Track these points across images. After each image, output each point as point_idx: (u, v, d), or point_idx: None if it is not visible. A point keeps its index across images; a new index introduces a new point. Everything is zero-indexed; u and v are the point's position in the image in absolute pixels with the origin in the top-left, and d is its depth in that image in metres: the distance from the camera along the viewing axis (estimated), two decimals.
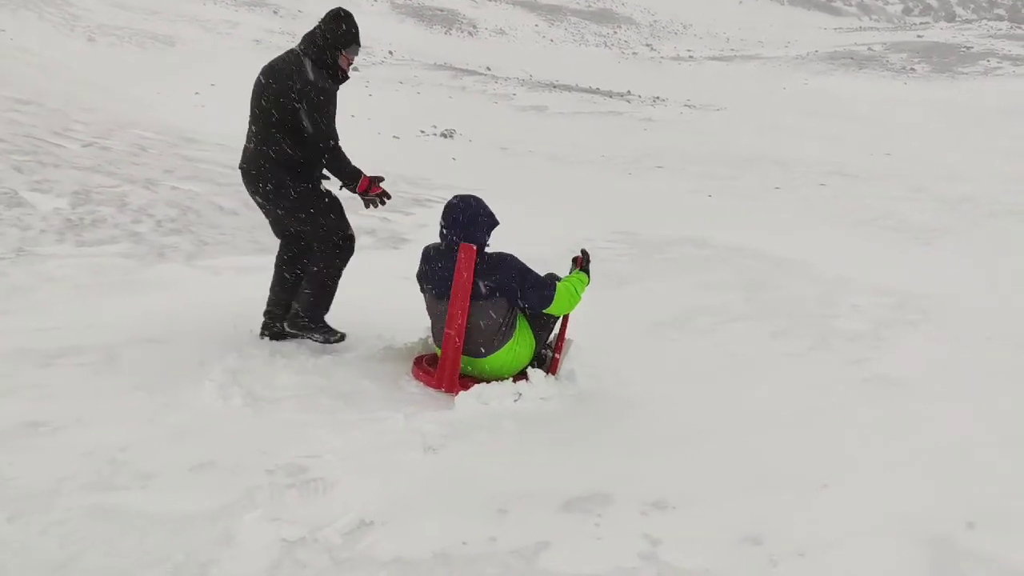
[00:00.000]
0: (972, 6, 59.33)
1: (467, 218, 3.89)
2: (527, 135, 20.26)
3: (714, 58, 42.28)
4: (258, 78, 4.11)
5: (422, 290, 4.10)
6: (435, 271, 3.96)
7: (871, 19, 57.46)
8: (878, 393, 4.43)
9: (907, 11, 59.30)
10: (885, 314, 6.15)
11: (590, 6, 51.53)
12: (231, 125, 14.73)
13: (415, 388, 3.96)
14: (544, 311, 3.97)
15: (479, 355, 3.97)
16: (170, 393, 3.48)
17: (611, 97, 28.14)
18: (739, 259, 7.88)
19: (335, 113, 4.10)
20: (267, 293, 4.52)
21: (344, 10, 4.11)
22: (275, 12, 42.12)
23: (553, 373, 4.12)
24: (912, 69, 37.24)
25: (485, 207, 3.97)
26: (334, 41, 4.02)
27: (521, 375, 4.03)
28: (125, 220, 6.25)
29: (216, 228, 6.49)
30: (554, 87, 29.91)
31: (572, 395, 3.99)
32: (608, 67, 38.26)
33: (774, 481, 3.24)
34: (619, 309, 5.81)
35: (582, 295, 4.11)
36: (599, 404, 3.92)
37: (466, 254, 3.83)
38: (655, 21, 50.29)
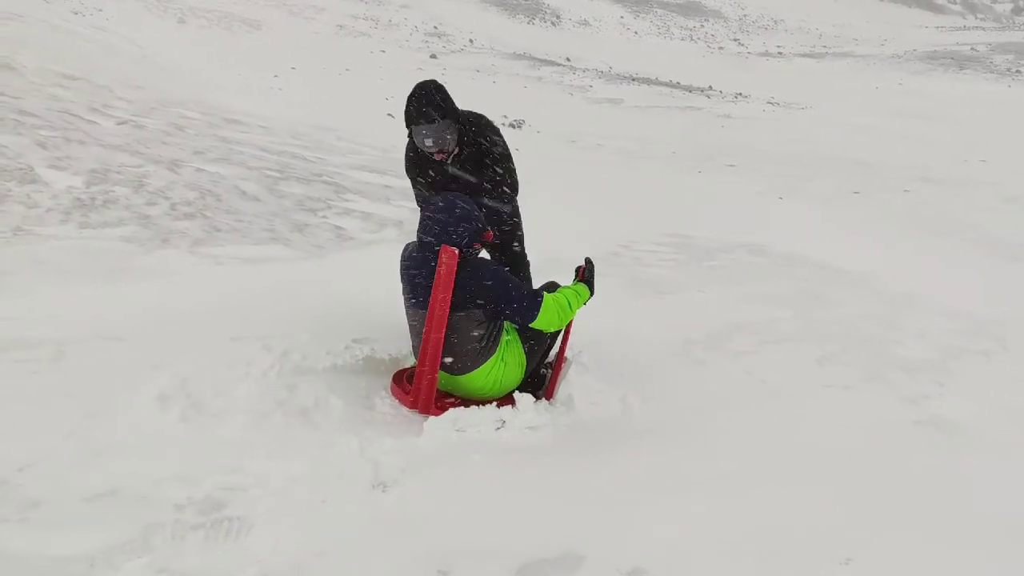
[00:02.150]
0: None
1: (451, 218, 3.42)
2: (598, 128, 19.66)
3: (804, 55, 40.64)
4: None
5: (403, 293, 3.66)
6: (410, 276, 3.51)
7: (977, 18, 54.53)
8: (930, 440, 3.80)
9: (1017, 10, 56.10)
10: (955, 341, 5.45)
11: None
12: (294, 109, 14.69)
13: (388, 408, 3.53)
14: (531, 326, 3.48)
15: (455, 372, 3.51)
16: (104, 401, 3.12)
17: (690, 92, 27.22)
18: (797, 269, 7.21)
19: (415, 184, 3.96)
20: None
21: (417, 86, 3.60)
22: None
23: (548, 398, 3.63)
24: (1018, 71, 35.07)
25: (473, 209, 3.49)
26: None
27: (508, 399, 3.56)
28: (139, 202, 5.98)
29: (233, 214, 6.18)
30: (632, 80, 29.14)
31: (566, 425, 3.50)
32: (691, 61, 37.14)
33: (785, 550, 2.69)
34: (648, 323, 5.27)
35: (577, 310, 3.60)
36: (593, 438, 3.41)
37: (448, 258, 3.36)
38: (745, 15, 48.70)
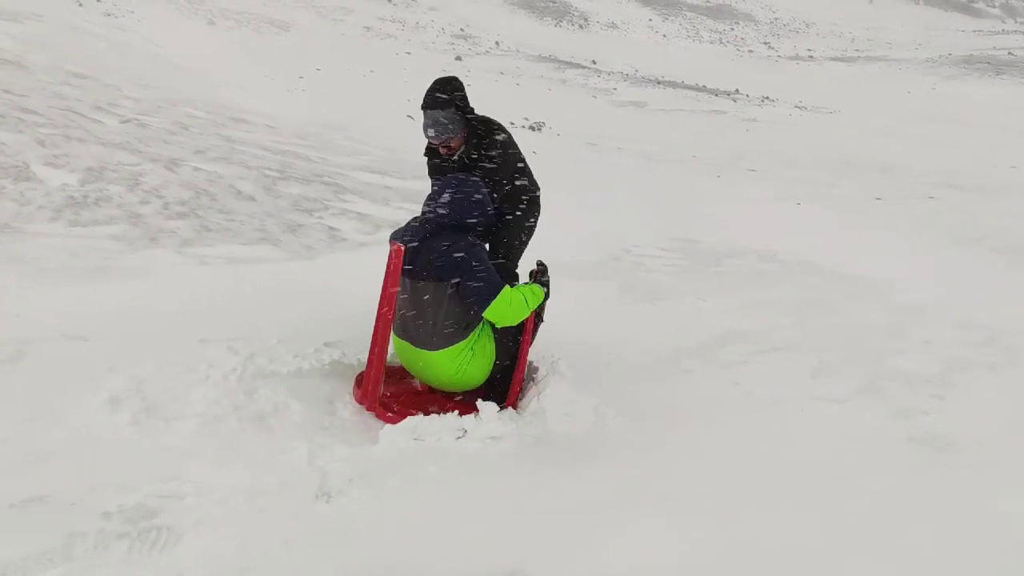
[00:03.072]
0: None
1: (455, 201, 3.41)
2: (620, 131, 19.50)
3: (836, 59, 40.12)
4: None
5: None
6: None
7: (1016, 22, 53.49)
8: (923, 460, 3.62)
9: None
10: (962, 353, 5.23)
11: (708, 2, 49.81)
12: (312, 109, 14.69)
13: (349, 413, 3.43)
14: (483, 314, 3.34)
15: (421, 345, 3.44)
16: (53, 404, 3.05)
17: (716, 95, 26.94)
18: (805, 276, 7.02)
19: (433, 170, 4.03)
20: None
21: (434, 80, 3.75)
22: (389, 0, 42.47)
23: (511, 406, 3.51)
24: None
25: (484, 194, 3.50)
26: None
27: (471, 406, 3.43)
28: (132, 200, 5.94)
29: (226, 214, 6.12)
30: (658, 83, 28.91)
31: (533, 436, 3.36)
32: (720, 64, 36.81)
33: None
34: (641, 330, 5.12)
35: (533, 308, 3.47)
36: (560, 451, 3.28)
37: (396, 257, 3.28)
38: (776, 19, 48.18)
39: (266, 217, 6.20)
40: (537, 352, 4.05)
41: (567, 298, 5.27)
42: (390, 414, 3.39)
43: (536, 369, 3.78)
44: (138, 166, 6.58)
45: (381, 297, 3.36)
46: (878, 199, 12.89)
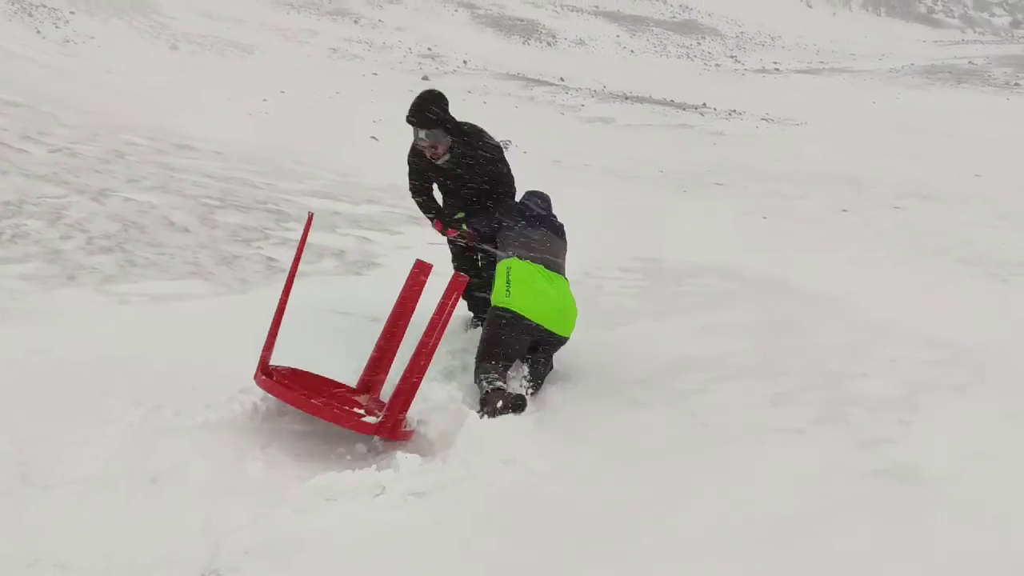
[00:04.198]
0: None
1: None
2: (587, 147, 19.33)
3: (801, 71, 40.28)
4: None
5: None
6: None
7: (975, 32, 54.14)
8: (885, 495, 3.34)
9: (1016, 24, 55.69)
10: (928, 374, 4.98)
11: (675, 17, 49.92)
12: (273, 133, 14.36)
13: (258, 470, 3.09)
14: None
15: (554, 269, 4.55)
16: None
17: (684, 109, 26.88)
18: (769, 295, 6.78)
19: (415, 174, 4.80)
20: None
21: (422, 92, 4.52)
22: (355, 21, 42.22)
23: (394, 437, 3.21)
24: (1017, 84, 34.69)
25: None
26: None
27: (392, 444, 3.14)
28: (52, 236, 5.60)
29: (156, 247, 5.79)
30: (626, 98, 28.83)
31: (460, 490, 3.04)
32: (687, 79, 36.80)
33: None
34: (595, 359, 4.83)
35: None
36: (486, 507, 2.96)
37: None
38: (742, 32, 48.39)
39: (199, 249, 5.88)
40: (469, 386, 3.76)
41: None
42: (263, 376, 3.34)
43: (463, 411, 3.47)
44: (63, 198, 6.24)
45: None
46: (844, 211, 12.76)
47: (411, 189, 4.89)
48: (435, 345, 3.24)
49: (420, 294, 3.87)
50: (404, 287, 3.91)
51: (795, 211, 12.71)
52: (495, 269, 4.46)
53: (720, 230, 10.42)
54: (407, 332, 3.87)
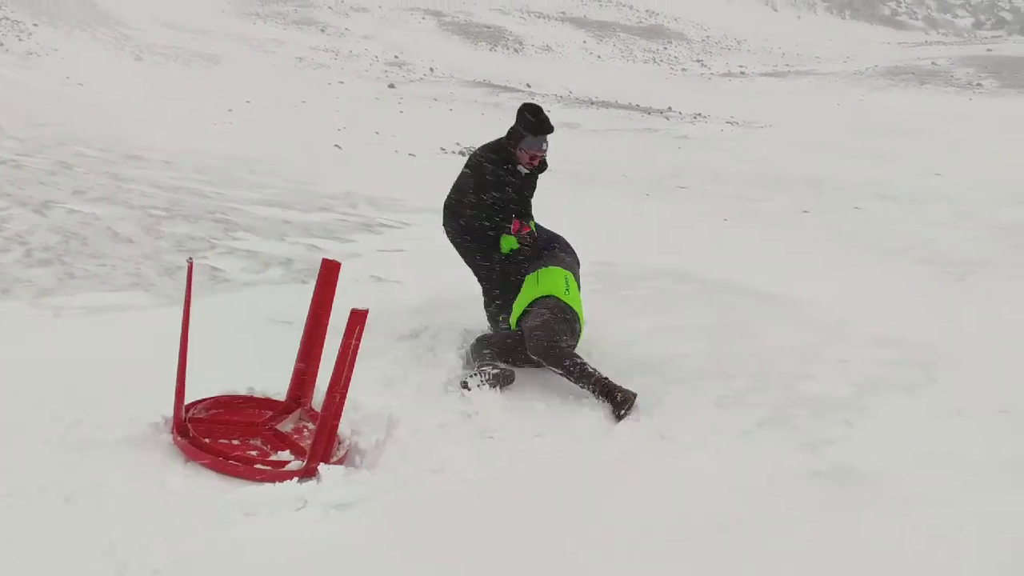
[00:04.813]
0: None
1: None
2: (552, 153, 19.25)
3: (767, 74, 40.60)
4: None
5: None
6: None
7: (938, 33, 54.89)
8: (825, 498, 3.32)
9: (978, 25, 56.53)
10: (877, 373, 4.98)
11: (641, 22, 50.15)
12: (236, 143, 14.19)
13: (180, 484, 2.98)
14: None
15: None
16: None
17: (649, 114, 27.00)
18: (723, 297, 6.75)
19: (494, 185, 4.80)
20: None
21: (530, 108, 4.79)
22: (322, 30, 42.05)
23: (312, 461, 3.08)
24: (979, 84, 35.19)
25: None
26: (511, 132, 4.81)
27: (311, 469, 3.03)
28: None
29: (98, 258, 5.66)
30: (592, 103, 28.92)
31: (387, 502, 2.96)
32: (653, 83, 36.97)
33: None
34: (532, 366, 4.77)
35: None
36: (413, 521, 2.87)
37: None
38: (708, 37, 48.71)
39: (143, 260, 5.76)
40: (407, 396, 3.69)
41: None
42: (180, 438, 3.17)
43: (395, 421, 3.39)
44: (3, 211, 6.09)
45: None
46: (805, 212, 12.82)
47: (474, 205, 4.81)
48: (347, 382, 3.07)
49: (333, 295, 3.65)
50: (315, 291, 3.69)
51: (757, 214, 12.75)
52: (525, 275, 4.85)
53: (680, 233, 10.41)
54: (329, 333, 3.69)
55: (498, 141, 4.85)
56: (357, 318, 3.02)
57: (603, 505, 3.13)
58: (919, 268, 8.97)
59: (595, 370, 4.23)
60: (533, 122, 4.68)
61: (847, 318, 6.24)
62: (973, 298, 7.50)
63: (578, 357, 4.32)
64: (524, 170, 4.84)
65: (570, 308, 4.65)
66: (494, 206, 4.81)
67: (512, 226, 4.87)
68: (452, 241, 5.10)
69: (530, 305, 4.66)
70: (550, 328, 4.43)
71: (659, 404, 4.28)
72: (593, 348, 5.21)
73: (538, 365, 4.41)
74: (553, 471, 3.38)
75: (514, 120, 4.81)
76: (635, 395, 4.11)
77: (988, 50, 44.09)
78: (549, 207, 11.64)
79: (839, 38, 50.78)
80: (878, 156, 19.24)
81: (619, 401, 4.06)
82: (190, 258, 3.47)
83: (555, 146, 20.67)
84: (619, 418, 4.01)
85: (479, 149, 4.91)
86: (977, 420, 4.26)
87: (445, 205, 5.03)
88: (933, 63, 40.01)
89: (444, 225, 5.11)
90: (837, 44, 48.55)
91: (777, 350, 5.37)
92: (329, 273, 3.63)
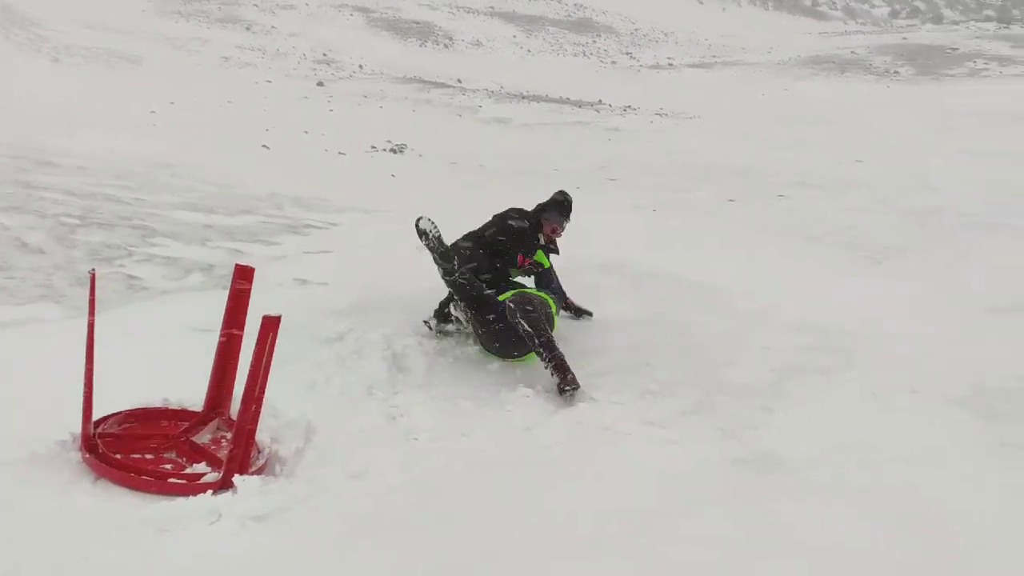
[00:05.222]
0: (960, 8, 58.28)
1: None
2: (484, 149, 19.28)
3: (694, 65, 41.23)
4: None
5: None
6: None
7: (857, 23, 56.41)
8: (745, 485, 3.38)
9: (894, 14, 58.30)
10: (797, 358, 5.10)
11: (570, 16, 50.43)
12: (158, 145, 13.80)
13: (89, 502, 2.90)
14: None
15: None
16: None
17: (580, 107, 27.17)
18: (651, 288, 6.82)
19: (517, 241, 5.33)
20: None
21: (562, 193, 5.72)
22: (247, 28, 41.30)
23: (228, 473, 3.03)
24: (896, 72, 36.29)
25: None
26: (541, 206, 5.60)
27: (227, 481, 2.97)
28: None
29: (4, 271, 5.45)
30: (523, 98, 28.97)
31: (306, 511, 2.92)
32: (584, 77, 37.22)
33: None
34: (465, 365, 4.76)
35: None
36: (330, 530, 2.84)
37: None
38: (636, 29, 49.22)
39: (54, 271, 5.56)
40: (330, 400, 3.63)
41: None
42: (88, 454, 3.09)
43: (313, 427, 3.35)
44: None
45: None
46: (731, 201, 13.04)
47: (477, 237, 5.23)
48: (262, 390, 3.03)
49: (248, 301, 3.56)
50: (229, 297, 3.60)
51: (685, 204, 12.92)
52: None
53: (608, 226, 10.47)
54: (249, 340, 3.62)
55: (531, 210, 5.54)
56: (270, 325, 2.97)
57: (525, 502, 3.13)
58: (839, 253, 9.20)
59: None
60: (562, 201, 5.58)
61: (769, 305, 6.37)
62: (889, 282, 7.72)
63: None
64: (541, 239, 5.46)
65: (548, 303, 4.97)
66: (491, 245, 5.20)
67: (521, 260, 5.37)
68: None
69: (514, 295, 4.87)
70: (537, 305, 4.71)
71: (589, 396, 4.31)
72: None
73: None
74: (478, 470, 3.38)
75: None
76: (579, 385, 4.34)
77: (904, 38, 45.48)
78: (471, 202, 11.70)
79: (763, 29, 51.82)
80: (801, 145, 19.67)
81: (568, 379, 4.30)
82: (92, 269, 3.34)
83: (487, 142, 20.66)
84: (561, 392, 4.27)
85: (511, 208, 5.54)
86: (891, 402, 4.38)
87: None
88: (852, 52, 41.11)
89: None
90: (761, 35, 49.52)
91: (701, 339, 5.44)
92: (243, 278, 3.54)
